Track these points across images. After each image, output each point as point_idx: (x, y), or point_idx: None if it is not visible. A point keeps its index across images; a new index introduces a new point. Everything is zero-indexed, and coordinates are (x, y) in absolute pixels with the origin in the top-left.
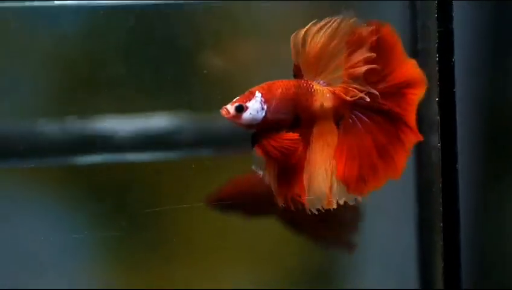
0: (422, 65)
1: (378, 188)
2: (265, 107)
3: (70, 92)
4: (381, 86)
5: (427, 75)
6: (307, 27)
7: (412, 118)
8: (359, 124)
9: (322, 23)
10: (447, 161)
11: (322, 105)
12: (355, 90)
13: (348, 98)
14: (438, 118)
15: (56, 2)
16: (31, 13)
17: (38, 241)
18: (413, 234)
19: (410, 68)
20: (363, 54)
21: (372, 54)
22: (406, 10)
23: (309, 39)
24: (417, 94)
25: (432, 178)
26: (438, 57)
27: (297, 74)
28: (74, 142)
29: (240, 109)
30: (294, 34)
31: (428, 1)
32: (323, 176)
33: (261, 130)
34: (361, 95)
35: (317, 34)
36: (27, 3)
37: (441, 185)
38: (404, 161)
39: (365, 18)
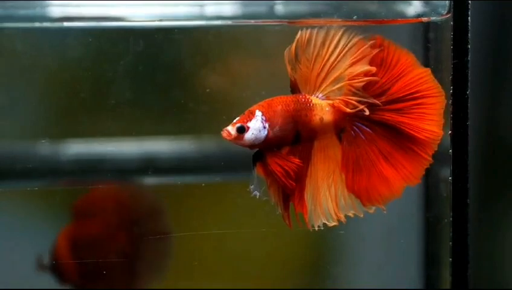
0: None
1: (397, 196)
2: (266, 125)
3: (75, 113)
4: (385, 99)
5: None
6: (296, 40)
7: (426, 130)
8: (362, 135)
9: (312, 33)
10: (458, 195)
11: (321, 119)
12: (354, 102)
13: (348, 109)
14: (450, 151)
15: (65, 24)
16: (39, 35)
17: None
18: (420, 269)
19: (418, 79)
20: (363, 66)
21: (373, 67)
22: (418, 40)
23: (301, 52)
24: (430, 104)
25: (440, 211)
26: (452, 89)
27: (295, 89)
28: (78, 165)
29: (242, 130)
30: (287, 49)
31: (442, 31)
32: (327, 190)
33: (264, 148)
34: (361, 107)
35: (309, 46)
36: (36, 25)
37: (451, 219)
38: (421, 166)
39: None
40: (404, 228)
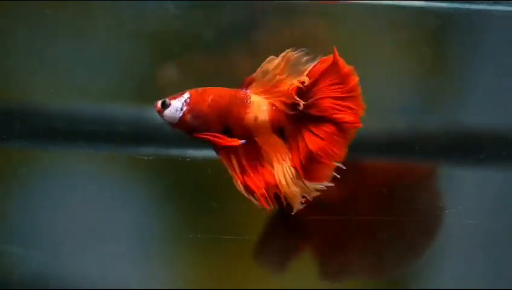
0: None
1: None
2: (184, 108)
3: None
4: (312, 99)
5: None
6: (282, 56)
7: (341, 112)
8: (301, 131)
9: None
10: None
11: (256, 118)
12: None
13: (290, 111)
14: None
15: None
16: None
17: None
18: None
19: (348, 109)
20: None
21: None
22: None
23: (270, 71)
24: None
25: None
26: None
27: (245, 84)
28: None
29: (164, 105)
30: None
31: None
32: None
33: (184, 131)
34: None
35: (287, 66)
36: None
37: None
38: (343, 148)
39: None
40: None
